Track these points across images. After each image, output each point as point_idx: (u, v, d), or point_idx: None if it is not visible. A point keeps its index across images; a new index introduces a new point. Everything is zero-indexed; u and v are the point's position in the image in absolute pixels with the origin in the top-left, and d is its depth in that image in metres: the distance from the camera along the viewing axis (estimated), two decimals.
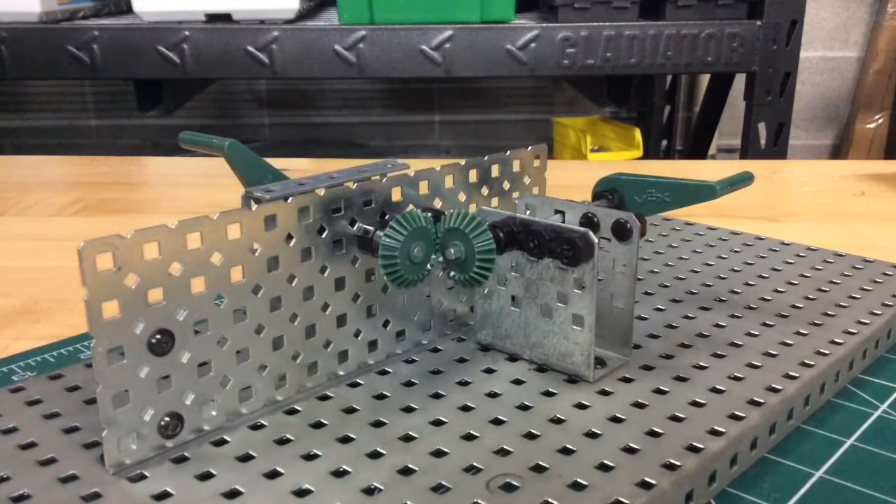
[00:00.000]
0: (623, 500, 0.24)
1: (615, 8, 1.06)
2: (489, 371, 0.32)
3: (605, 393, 0.30)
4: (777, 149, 1.15)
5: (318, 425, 0.28)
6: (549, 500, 0.24)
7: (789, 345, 0.34)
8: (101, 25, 1.08)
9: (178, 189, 0.69)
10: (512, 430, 0.28)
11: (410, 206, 0.33)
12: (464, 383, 0.31)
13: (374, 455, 0.26)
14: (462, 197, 0.35)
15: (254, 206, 0.28)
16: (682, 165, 0.90)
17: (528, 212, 0.34)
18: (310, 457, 0.26)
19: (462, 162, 0.35)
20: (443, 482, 0.25)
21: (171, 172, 0.78)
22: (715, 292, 0.39)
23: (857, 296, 0.39)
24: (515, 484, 0.25)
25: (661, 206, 0.36)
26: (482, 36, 1.06)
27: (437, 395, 0.30)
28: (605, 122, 1.48)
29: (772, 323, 0.36)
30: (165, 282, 0.25)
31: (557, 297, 0.31)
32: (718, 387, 0.30)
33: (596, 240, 0.29)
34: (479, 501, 0.24)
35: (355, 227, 0.30)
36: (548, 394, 0.30)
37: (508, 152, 0.37)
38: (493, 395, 0.30)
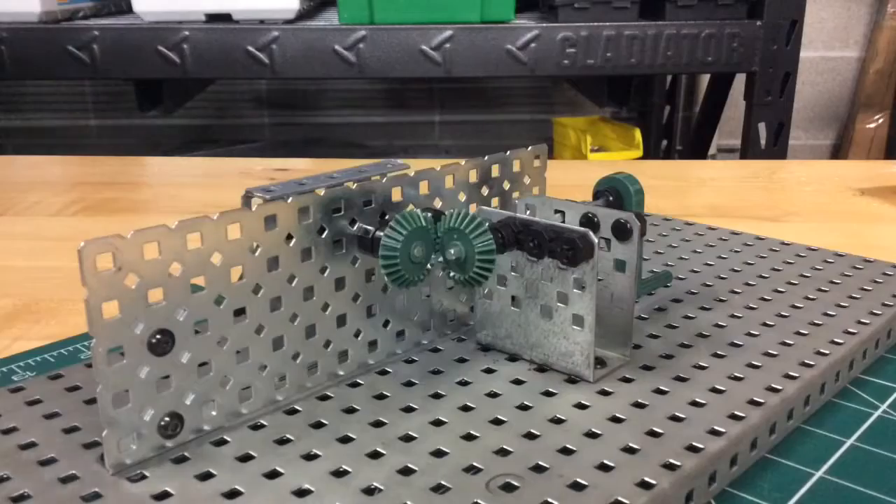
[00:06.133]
0: (623, 500, 0.24)
1: (615, 8, 1.06)
2: (489, 371, 0.32)
3: (605, 393, 0.30)
4: (777, 149, 1.15)
5: (318, 425, 0.28)
6: (549, 500, 0.24)
7: (789, 345, 0.34)
8: (101, 25, 1.08)
9: (178, 189, 0.69)
10: (512, 430, 0.28)
11: (410, 206, 0.33)
12: (464, 383, 0.31)
13: (374, 455, 0.26)
14: (462, 197, 0.35)
15: (254, 206, 0.28)
16: (682, 165, 0.90)
17: (528, 212, 0.34)
18: (310, 457, 0.26)
19: (462, 162, 0.35)
20: (443, 482, 0.25)
21: (171, 172, 0.78)
22: (715, 292, 0.39)
23: (857, 296, 0.39)
24: (515, 484, 0.25)
25: None
26: (482, 36, 1.06)
27: (437, 395, 0.30)
28: (605, 122, 1.48)
29: (772, 323, 0.36)
30: (165, 282, 0.25)
31: (557, 298, 0.31)
32: (718, 387, 0.30)
33: (596, 240, 0.29)
34: (479, 501, 0.24)
35: (355, 227, 0.30)
36: (548, 394, 0.30)
37: (508, 152, 0.37)
38: (493, 395, 0.30)
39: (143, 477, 0.25)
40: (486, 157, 0.36)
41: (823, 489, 0.27)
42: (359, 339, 0.32)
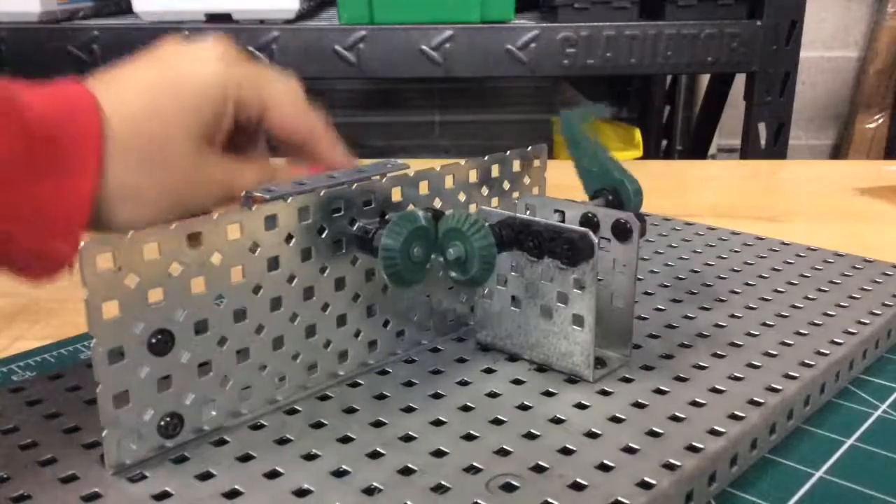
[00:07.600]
0: (623, 500, 0.24)
1: (615, 8, 1.06)
2: (489, 371, 0.32)
3: (605, 393, 0.30)
4: (777, 149, 1.15)
5: (318, 425, 0.28)
6: (549, 500, 0.24)
7: (789, 345, 0.34)
8: (101, 25, 1.08)
9: None
10: (512, 430, 0.28)
11: (410, 206, 0.33)
12: (464, 383, 0.31)
13: (374, 455, 0.26)
14: (462, 197, 0.35)
15: (254, 206, 0.28)
16: (682, 165, 0.90)
17: (528, 212, 0.34)
18: (310, 457, 0.26)
19: (462, 162, 0.35)
20: (443, 482, 0.25)
21: None
22: (715, 292, 0.39)
23: (857, 296, 0.39)
24: (515, 484, 0.25)
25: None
26: (482, 36, 1.06)
27: (437, 395, 0.30)
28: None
29: (772, 323, 0.36)
30: (165, 282, 0.25)
31: (557, 297, 0.31)
32: (718, 387, 0.30)
33: (596, 240, 0.29)
34: (479, 501, 0.24)
35: (355, 227, 0.30)
36: (548, 394, 0.30)
37: (508, 152, 0.37)
38: (493, 395, 0.30)
39: (143, 477, 0.25)
40: (486, 157, 0.36)
41: (823, 489, 0.27)
42: (359, 338, 0.32)
